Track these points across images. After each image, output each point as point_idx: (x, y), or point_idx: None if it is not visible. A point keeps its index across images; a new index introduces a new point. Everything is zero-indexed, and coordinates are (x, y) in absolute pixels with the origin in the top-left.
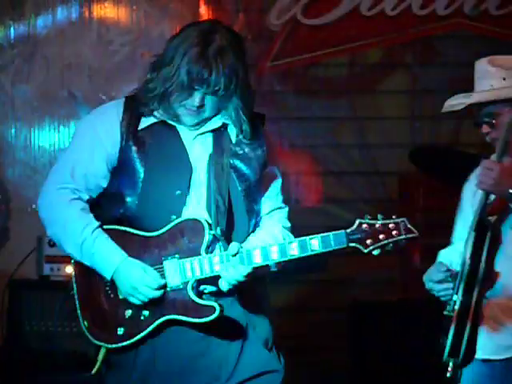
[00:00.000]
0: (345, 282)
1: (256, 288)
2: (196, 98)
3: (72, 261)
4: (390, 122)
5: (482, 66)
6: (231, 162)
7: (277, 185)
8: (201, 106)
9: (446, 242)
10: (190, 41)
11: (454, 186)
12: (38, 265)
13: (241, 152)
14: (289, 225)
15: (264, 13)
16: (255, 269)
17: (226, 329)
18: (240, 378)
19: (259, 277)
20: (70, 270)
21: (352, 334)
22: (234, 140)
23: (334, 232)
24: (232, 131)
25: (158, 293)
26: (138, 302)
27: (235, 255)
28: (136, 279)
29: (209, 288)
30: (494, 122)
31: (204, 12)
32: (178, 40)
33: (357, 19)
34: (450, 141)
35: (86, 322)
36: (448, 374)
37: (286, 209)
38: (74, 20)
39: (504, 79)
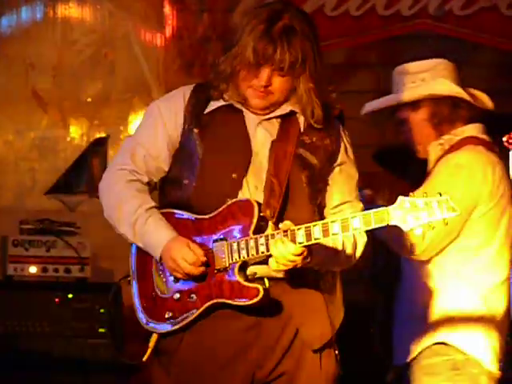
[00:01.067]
0: None
1: (315, 283)
2: (263, 76)
3: (133, 245)
4: (354, 123)
5: (394, 74)
6: (296, 150)
7: (350, 180)
8: (268, 86)
9: None
10: (258, 19)
11: (418, 186)
12: (2, 265)
13: (308, 141)
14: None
15: (229, 13)
16: (309, 253)
17: (277, 316)
18: (280, 371)
19: (321, 272)
20: (33, 269)
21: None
22: (302, 129)
23: (375, 210)
24: (301, 119)
25: (197, 270)
26: (179, 276)
27: (282, 232)
28: (176, 252)
29: (260, 271)
30: (401, 126)
31: (168, 12)
32: (245, 19)
33: (321, 19)
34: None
35: (139, 308)
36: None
37: (360, 205)
38: (39, 19)
39: (404, 84)
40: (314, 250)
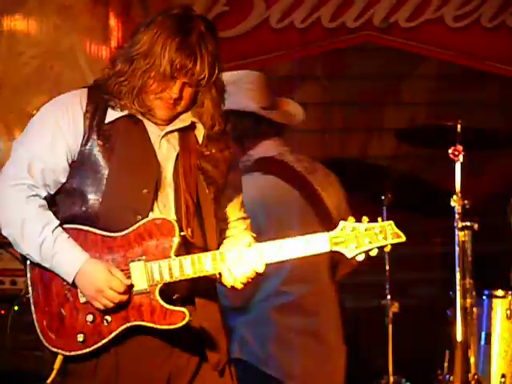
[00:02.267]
0: None
1: (215, 301)
2: (175, 89)
3: (27, 263)
4: (300, 135)
5: None
6: (198, 163)
7: (241, 194)
8: (178, 99)
9: None
10: (169, 29)
11: (363, 197)
12: None
13: (207, 153)
14: (254, 235)
15: None
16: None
17: (188, 339)
18: None
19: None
20: None
21: None
22: (200, 140)
23: (316, 234)
24: (199, 131)
25: (125, 296)
26: (102, 307)
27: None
28: (101, 282)
29: (179, 292)
30: None
31: (113, 24)
32: (153, 30)
33: (266, 32)
34: (359, 153)
35: (41, 328)
36: None
37: (249, 220)
38: None
39: None
40: None
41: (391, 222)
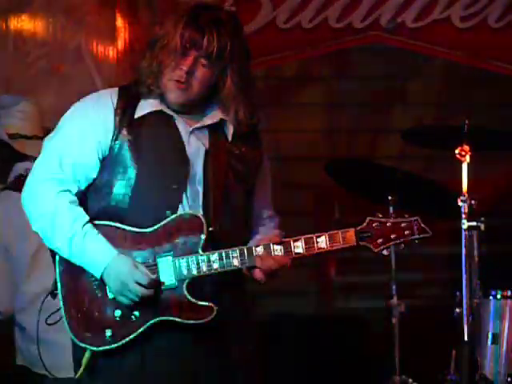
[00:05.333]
0: (258, 296)
1: (244, 297)
2: (186, 62)
3: (56, 258)
4: (306, 135)
5: None
6: (228, 160)
7: (269, 192)
8: (190, 73)
9: (361, 255)
10: (181, 12)
11: (369, 198)
12: None
13: (237, 152)
14: (283, 233)
15: None
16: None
17: (215, 336)
18: None
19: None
20: None
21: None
22: (229, 138)
23: (342, 230)
24: (228, 129)
25: (150, 291)
26: (128, 302)
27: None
28: (126, 276)
29: (206, 288)
30: None
31: (121, 25)
32: (169, 18)
33: (273, 32)
34: (366, 154)
35: (70, 324)
36: None
37: (278, 219)
38: None
39: None
40: None
41: (417, 218)
